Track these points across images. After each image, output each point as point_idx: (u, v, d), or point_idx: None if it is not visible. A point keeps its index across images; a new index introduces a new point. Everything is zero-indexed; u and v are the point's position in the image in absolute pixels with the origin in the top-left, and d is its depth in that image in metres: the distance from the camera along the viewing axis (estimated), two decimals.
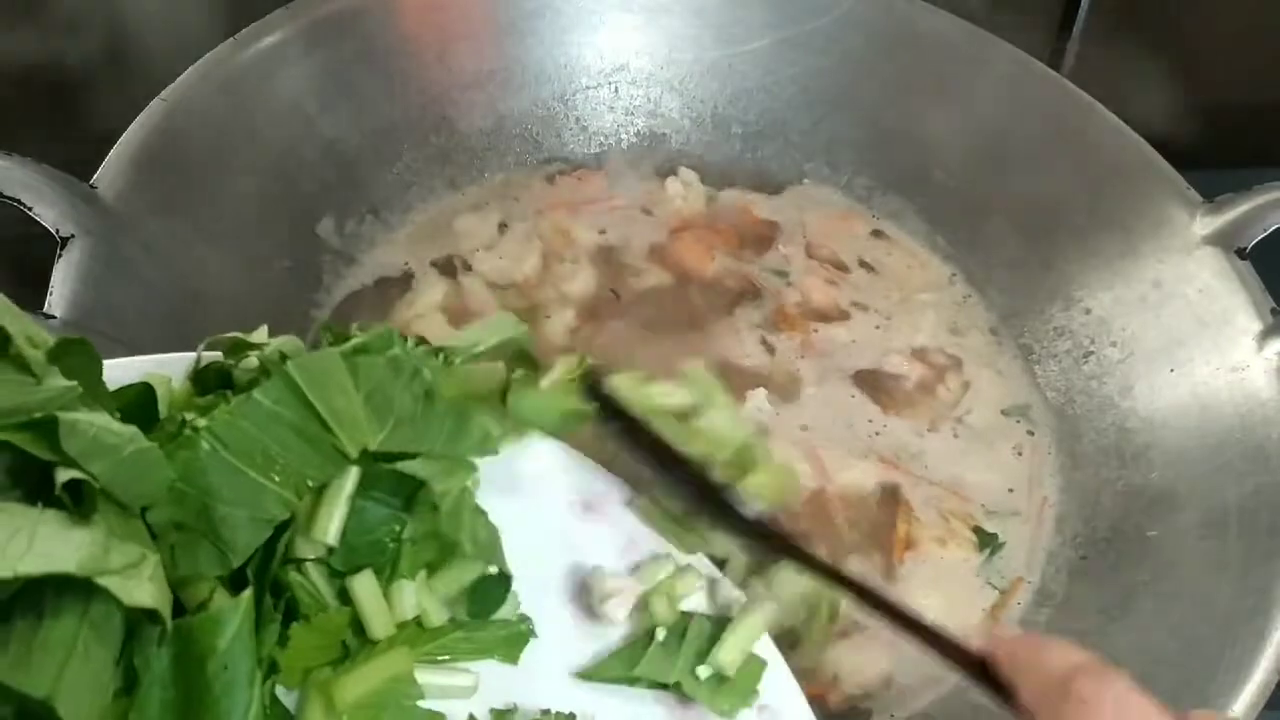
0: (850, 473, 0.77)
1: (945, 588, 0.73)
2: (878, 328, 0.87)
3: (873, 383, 0.83)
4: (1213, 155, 0.88)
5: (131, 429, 0.41)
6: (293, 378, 0.43)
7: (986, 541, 0.76)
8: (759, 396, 0.80)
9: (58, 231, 0.66)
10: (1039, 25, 1.08)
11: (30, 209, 0.66)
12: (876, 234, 0.93)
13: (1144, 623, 0.69)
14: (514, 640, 0.48)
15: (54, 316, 0.63)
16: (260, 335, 0.50)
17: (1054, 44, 1.08)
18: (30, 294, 0.64)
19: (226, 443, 0.42)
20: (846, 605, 0.61)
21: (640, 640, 0.50)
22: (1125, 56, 1.09)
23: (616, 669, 0.49)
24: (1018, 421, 0.83)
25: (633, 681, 0.49)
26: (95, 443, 0.39)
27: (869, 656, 0.70)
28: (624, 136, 0.97)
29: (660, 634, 0.50)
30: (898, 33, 0.92)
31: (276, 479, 0.43)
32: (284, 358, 0.46)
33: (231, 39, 0.81)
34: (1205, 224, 0.78)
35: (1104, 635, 0.69)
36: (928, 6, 0.92)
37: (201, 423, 0.43)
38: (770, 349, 0.84)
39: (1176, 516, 0.73)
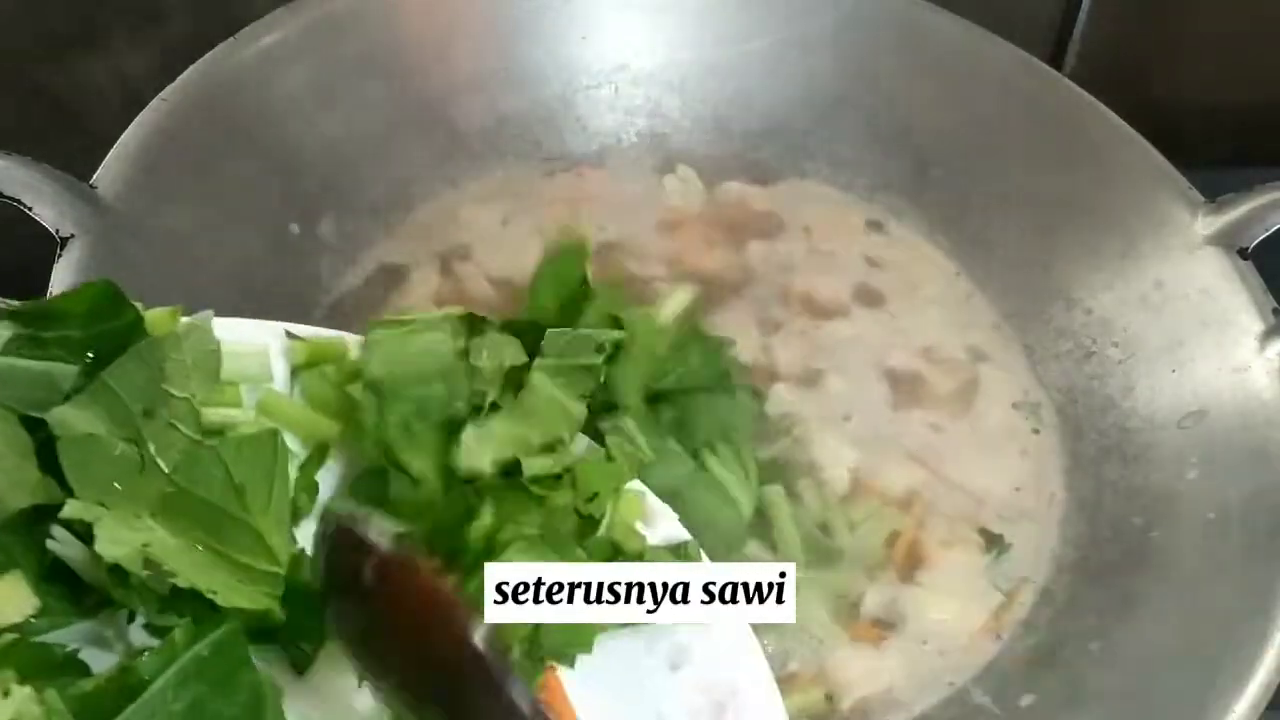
0: (890, 473, 0.78)
1: (954, 592, 0.73)
2: (880, 323, 0.86)
3: (887, 378, 0.83)
4: (1214, 155, 0.88)
5: None
6: None
7: (993, 544, 0.76)
8: (780, 392, 0.80)
9: (58, 231, 0.66)
10: (1039, 25, 1.08)
11: (30, 209, 0.66)
12: (878, 231, 0.93)
13: (1145, 623, 0.69)
14: None
15: None
16: None
17: (1054, 44, 1.08)
18: (30, 294, 0.64)
19: None
20: None
21: None
22: (1125, 56, 1.09)
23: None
24: (1026, 417, 0.83)
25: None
26: None
27: (866, 668, 0.70)
28: (624, 136, 0.97)
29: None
30: (898, 32, 0.92)
31: None
32: None
33: (232, 38, 0.81)
34: (1207, 224, 0.78)
35: (1105, 636, 0.69)
36: (928, 6, 0.92)
37: None
38: (773, 343, 0.83)
39: (1178, 517, 0.73)
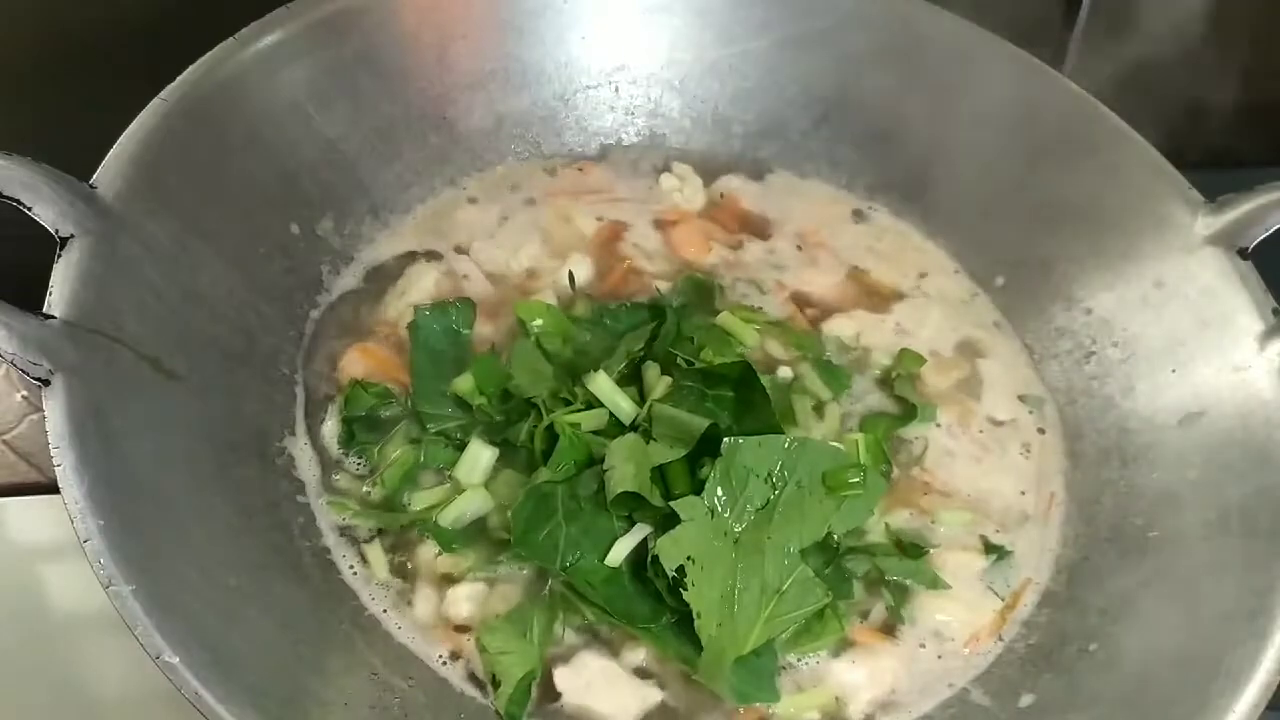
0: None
1: (955, 595, 0.73)
2: (881, 322, 0.87)
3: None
4: (1214, 155, 0.88)
5: None
6: None
7: (993, 549, 0.76)
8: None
9: (57, 231, 0.66)
10: (1039, 25, 1.07)
11: (30, 209, 0.65)
12: (878, 231, 0.93)
13: (1145, 623, 0.69)
14: None
15: (54, 316, 0.63)
16: None
17: (1054, 44, 1.08)
18: (30, 294, 0.64)
19: None
20: None
21: None
22: (1125, 56, 1.09)
23: None
24: (1031, 412, 0.83)
25: None
26: None
27: (867, 671, 0.70)
28: (624, 136, 0.97)
29: None
30: (898, 32, 0.92)
31: None
32: None
33: (232, 38, 0.80)
34: (1207, 224, 0.78)
35: (1105, 635, 0.69)
36: (928, 6, 0.92)
37: None
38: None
39: (1178, 517, 0.73)
